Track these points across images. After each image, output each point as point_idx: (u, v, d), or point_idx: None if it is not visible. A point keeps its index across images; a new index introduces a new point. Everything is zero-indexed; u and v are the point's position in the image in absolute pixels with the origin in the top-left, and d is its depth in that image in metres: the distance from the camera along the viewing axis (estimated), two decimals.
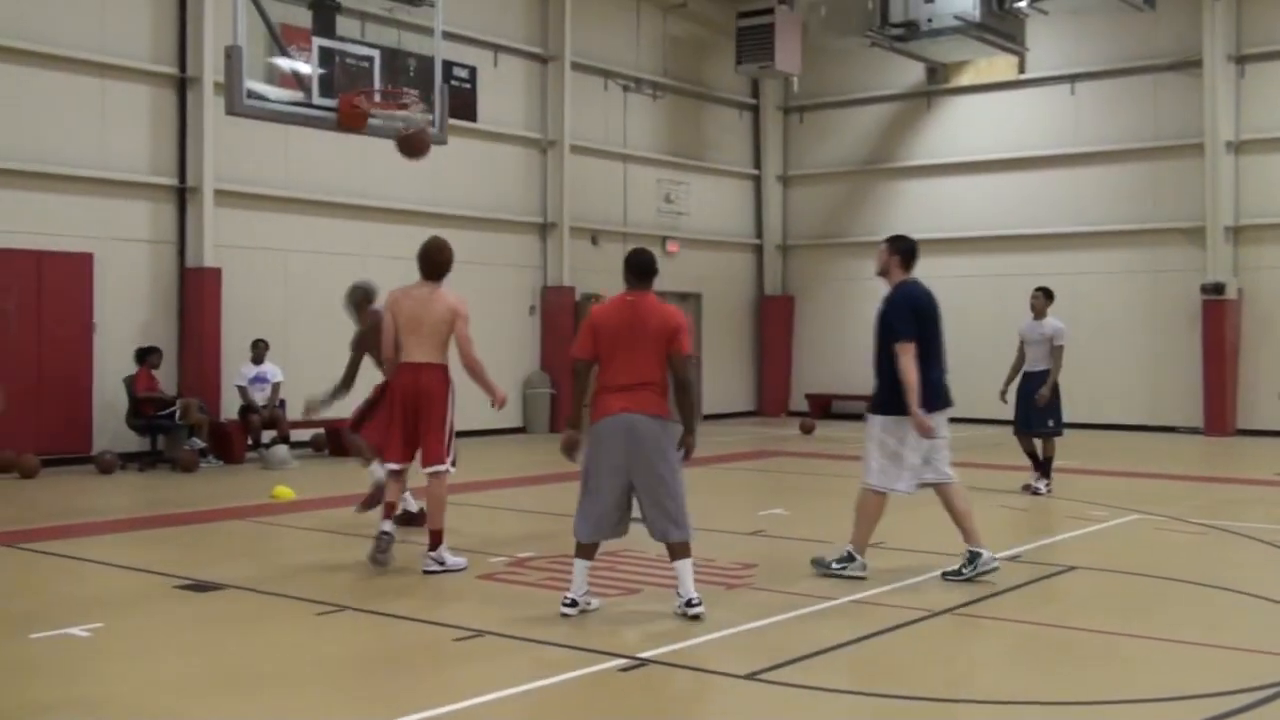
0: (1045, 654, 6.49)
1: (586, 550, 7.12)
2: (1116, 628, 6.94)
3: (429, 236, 9.29)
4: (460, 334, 8.85)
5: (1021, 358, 12.69)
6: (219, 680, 5.90)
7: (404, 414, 8.67)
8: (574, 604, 7.05)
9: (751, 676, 5.85)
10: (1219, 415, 19.95)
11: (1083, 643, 6.65)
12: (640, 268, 7.69)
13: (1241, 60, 20.30)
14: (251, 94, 10.81)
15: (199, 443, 14.87)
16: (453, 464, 8.88)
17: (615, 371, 7.09)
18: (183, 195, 15.95)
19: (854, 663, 6.22)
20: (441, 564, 8.36)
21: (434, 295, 9.13)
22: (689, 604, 6.93)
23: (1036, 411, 12.28)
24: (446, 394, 8.81)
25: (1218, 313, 19.97)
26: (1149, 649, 6.55)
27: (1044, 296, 12.68)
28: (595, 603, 7.21)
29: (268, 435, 15.51)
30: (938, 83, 23.36)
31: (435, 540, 8.41)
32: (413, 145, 11.19)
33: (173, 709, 5.44)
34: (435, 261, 9.32)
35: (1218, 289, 19.94)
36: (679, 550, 7.02)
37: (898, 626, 6.91)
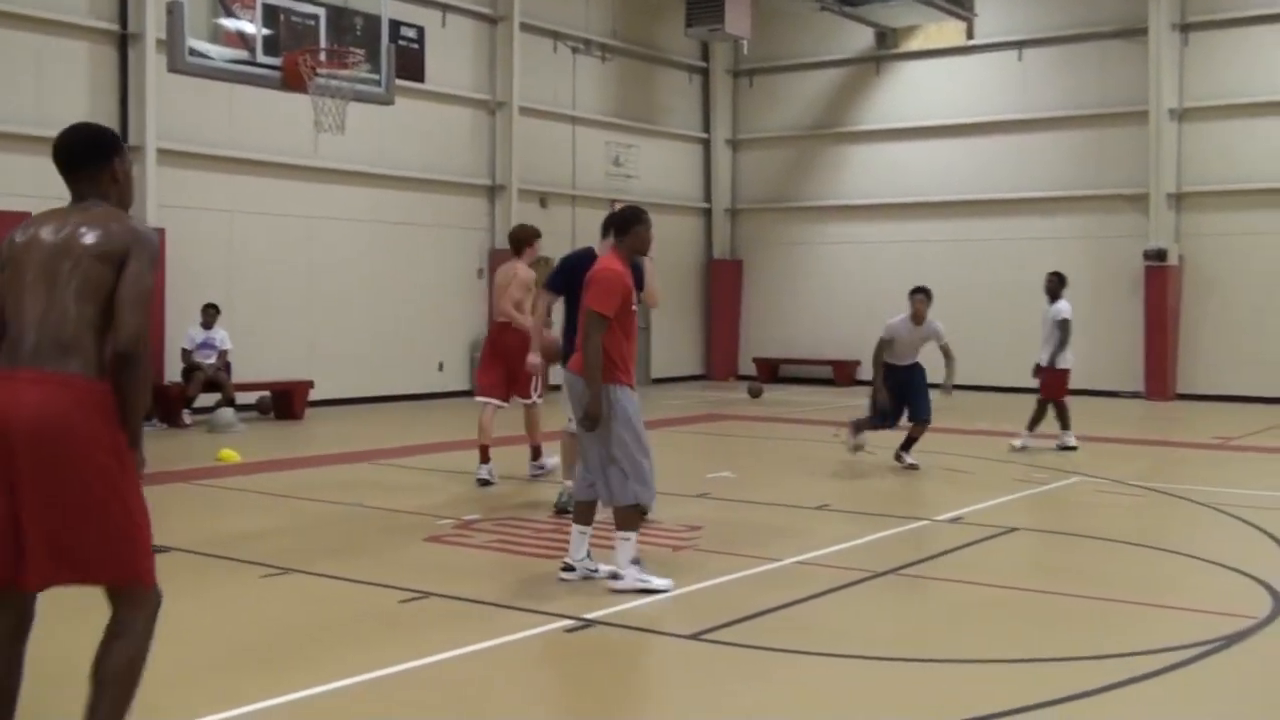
0: (986, 614, 6.59)
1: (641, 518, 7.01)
2: (1056, 588, 7.05)
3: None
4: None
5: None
6: (161, 642, 5.86)
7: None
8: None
9: (696, 637, 5.90)
10: (1160, 380, 20.24)
11: (1023, 602, 6.75)
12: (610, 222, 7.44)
13: (1186, 29, 20.48)
14: (194, 52, 10.67)
15: None
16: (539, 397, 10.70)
17: (629, 333, 6.90)
18: None
19: (797, 623, 6.28)
20: (542, 468, 10.68)
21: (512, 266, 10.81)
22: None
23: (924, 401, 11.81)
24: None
25: (1160, 279, 20.22)
26: (1088, 608, 6.66)
27: (925, 299, 11.69)
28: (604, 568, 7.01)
29: (213, 398, 15.35)
30: (887, 48, 23.39)
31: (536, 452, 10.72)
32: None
33: None
34: (511, 239, 11.04)
35: (1160, 255, 20.17)
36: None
37: (841, 587, 6.99)
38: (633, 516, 6.80)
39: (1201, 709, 5.04)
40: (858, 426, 11.89)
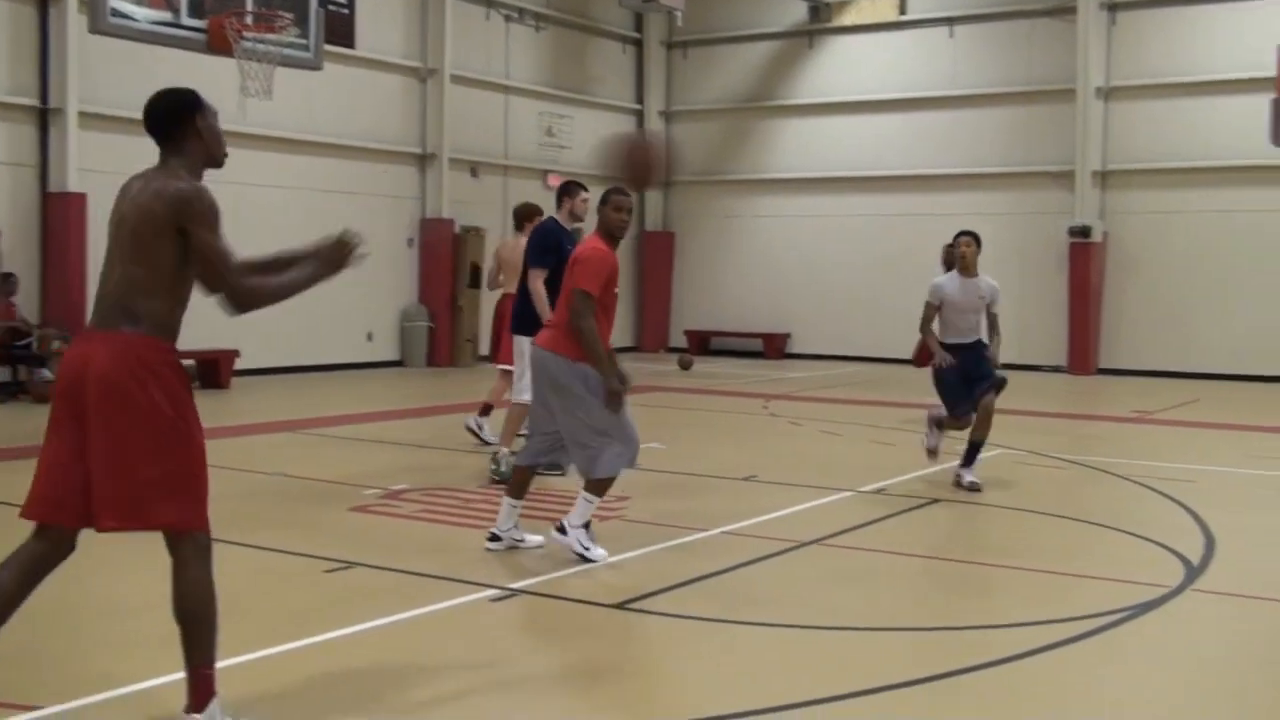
0: (908, 583, 6.68)
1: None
2: (977, 558, 7.16)
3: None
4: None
5: None
6: (81, 612, 5.79)
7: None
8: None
9: (622, 606, 5.93)
10: (1082, 354, 20.58)
11: (944, 572, 6.86)
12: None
13: (1113, 8, 20.75)
14: (117, 12, 10.48)
15: (47, 374, 14.41)
16: None
17: (608, 312, 6.88)
18: (44, 116, 15.37)
19: (723, 591, 6.33)
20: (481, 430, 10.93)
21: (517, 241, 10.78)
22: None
23: None
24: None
25: (1084, 255, 20.54)
26: (1008, 578, 6.78)
27: (974, 243, 10.20)
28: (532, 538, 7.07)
29: None
30: (820, 22, 23.47)
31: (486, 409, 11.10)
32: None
33: (28, 644, 5.33)
34: (515, 215, 11.09)
35: (1084, 232, 20.48)
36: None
37: (766, 557, 7.05)
38: (605, 483, 6.83)
39: (1114, 673, 5.15)
40: (938, 423, 9.58)
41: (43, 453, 4.14)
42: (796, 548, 7.29)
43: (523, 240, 11.09)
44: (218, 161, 4.31)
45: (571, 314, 6.67)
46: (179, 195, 4.09)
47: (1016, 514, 8.51)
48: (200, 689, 4.12)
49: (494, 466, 9.21)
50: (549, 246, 8.95)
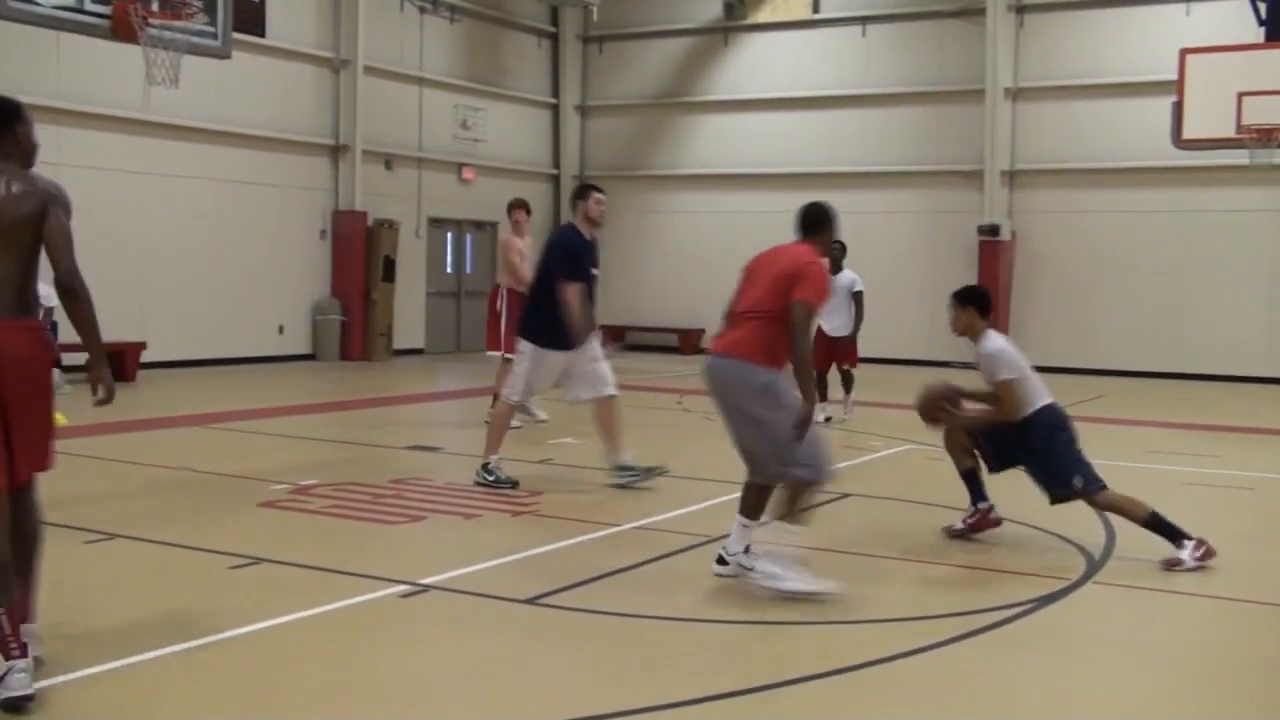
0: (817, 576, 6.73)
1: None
2: (885, 551, 7.24)
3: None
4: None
5: None
6: None
7: None
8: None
9: (532, 601, 5.91)
10: None
11: (853, 565, 6.92)
12: (802, 219, 7.02)
13: (1021, 10, 21.11)
14: None
15: None
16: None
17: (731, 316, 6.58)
18: None
19: (634, 586, 6.34)
20: None
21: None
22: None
23: None
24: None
25: (992, 253, 20.87)
26: (916, 571, 6.87)
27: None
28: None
29: None
30: (735, 19, 23.57)
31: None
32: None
33: None
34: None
35: (993, 230, 20.82)
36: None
37: (677, 551, 7.07)
38: (804, 501, 6.34)
39: (1015, 664, 5.24)
40: None
41: None
42: (707, 542, 7.31)
43: (516, 240, 12.30)
44: (31, 164, 4.83)
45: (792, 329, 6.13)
46: (52, 186, 4.82)
47: (923, 508, 8.62)
48: None
49: (488, 476, 8.82)
50: (579, 258, 8.76)
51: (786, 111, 23.02)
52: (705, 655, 5.31)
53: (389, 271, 20.42)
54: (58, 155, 15.97)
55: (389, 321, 20.52)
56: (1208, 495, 9.59)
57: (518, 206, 12.76)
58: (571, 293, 8.59)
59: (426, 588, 6.09)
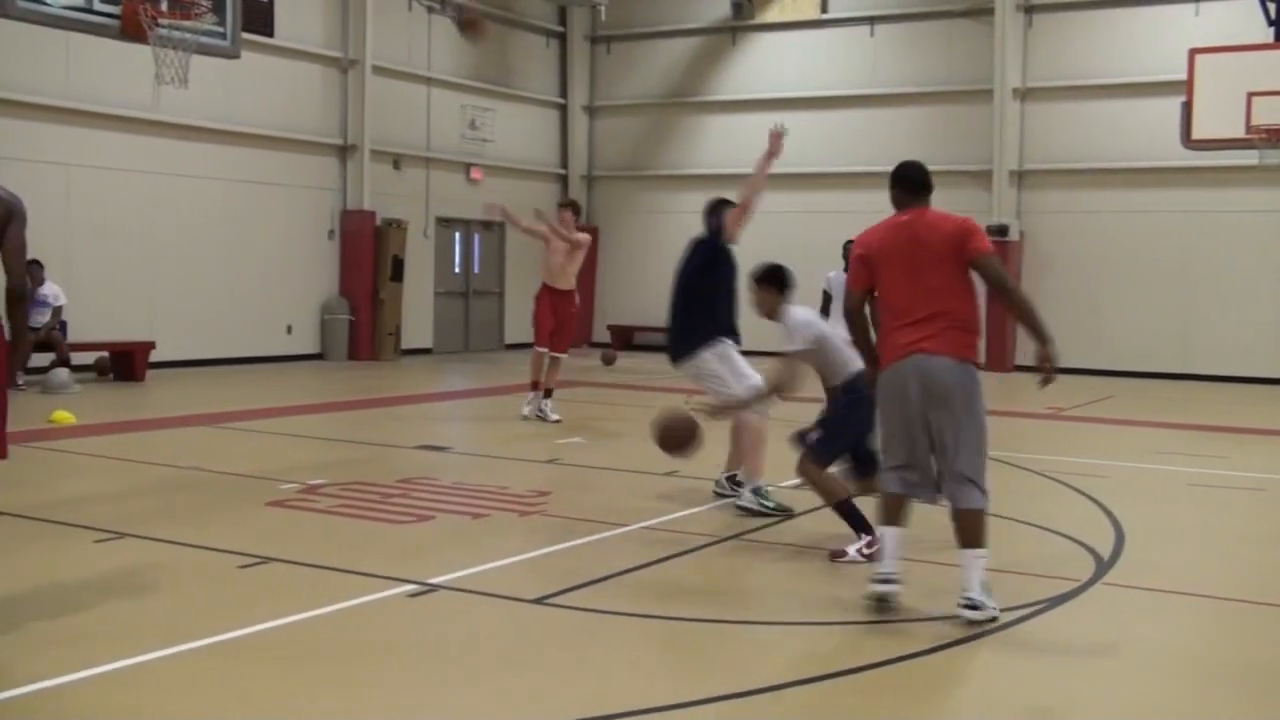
0: (827, 577, 6.72)
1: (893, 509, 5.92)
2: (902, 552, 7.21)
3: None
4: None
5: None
6: None
7: None
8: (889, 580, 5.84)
9: (541, 601, 5.91)
10: (999, 352, 20.86)
11: (857, 567, 6.91)
12: (912, 180, 6.16)
13: (1030, 10, 21.07)
14: None
15: None
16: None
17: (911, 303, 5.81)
18: None
19: (642, 586, 6.34)
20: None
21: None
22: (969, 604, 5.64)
23: None
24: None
25: (1001, 254, 20.61)
26: (924, 572, 6.85)
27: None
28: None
29: (46, 359, 14.81)
30: (743, 18, 23.56)
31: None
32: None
33: None
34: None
35: (1002, 231, 20.77)
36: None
37: (686, 552, 7.07)
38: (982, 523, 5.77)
39: (1024, 666, 5.23)
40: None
41: None
42: (716, 542, 7.32)
43: (570, 240, 13.12)
44: None
45: (1003, 279, 5.83)
46: (15, 198, 5.18)
47: (932, 509, 8.59)
48: None
49: (765, 504, 8.15)
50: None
51: (794, 111, 22.92)
52: (711, 656, 5.31)
53: (397, 271, 20.45)
54: (66, 155, 16.04)
55: (397, 321, 20.54)
56: (1216, 496, 9.57)
57: (567, 206, 13.73)
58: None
59: (435, 587, 6.10)
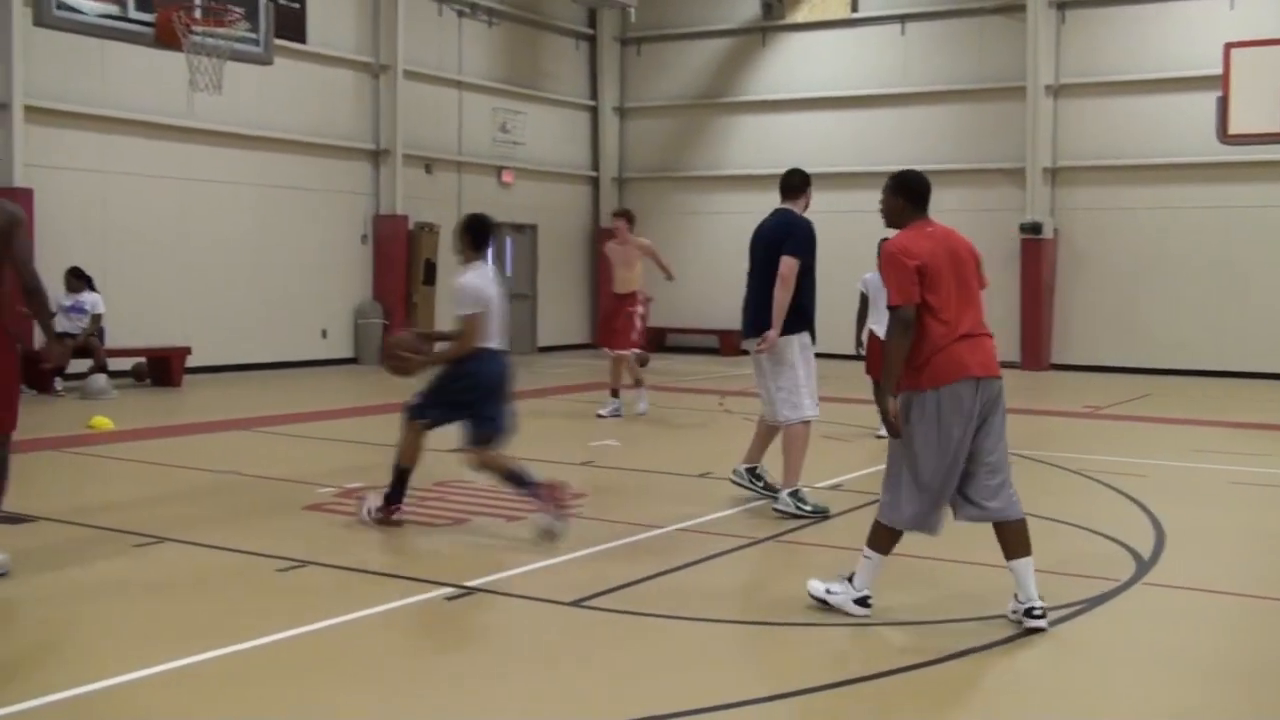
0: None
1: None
2: (931, 552, 7.18)
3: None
4: None
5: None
6: (30, 614, 5.71)
7: None
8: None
9: (578, 603, 5.91)
10: (1035, 350, 20.76)
11: (900, 566, 6.87)
12: (923, 191, 6.23)
13: (1063, 6, 20.93)
14: (63, 5, 10.33)
15: None
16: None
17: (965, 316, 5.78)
18: None
19: (679, 588, 6.33)
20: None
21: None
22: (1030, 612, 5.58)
23: None
24: None
25: (1035, 251, 20.71)
26: (962, 571, 6.82)
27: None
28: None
29: (84, 365, 14.93)
30: (773, 19, 23.50)
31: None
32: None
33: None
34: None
35: (1035, 228, 20.65)
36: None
37: (722, 553, 7.06)
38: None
39: (1065, 666, 5.19)
40: None
41: None
42: (752, 544, 7.30)
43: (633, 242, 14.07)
44: None
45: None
46: (17, 208, 6.16)
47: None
48: None
49: (802, 506, 8.12)
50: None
51: (826, 111, 22.94)
52: (753, 657, 5.30)
53: (430, 275, 20.51)
54: (103, 163, 16.18)
55: (430, 324, 20.58)
56: (1258, 495, 9.47)
57: (619, 215, 14.53)
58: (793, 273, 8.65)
59: (472, 590, 6.11)
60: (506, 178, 22.65)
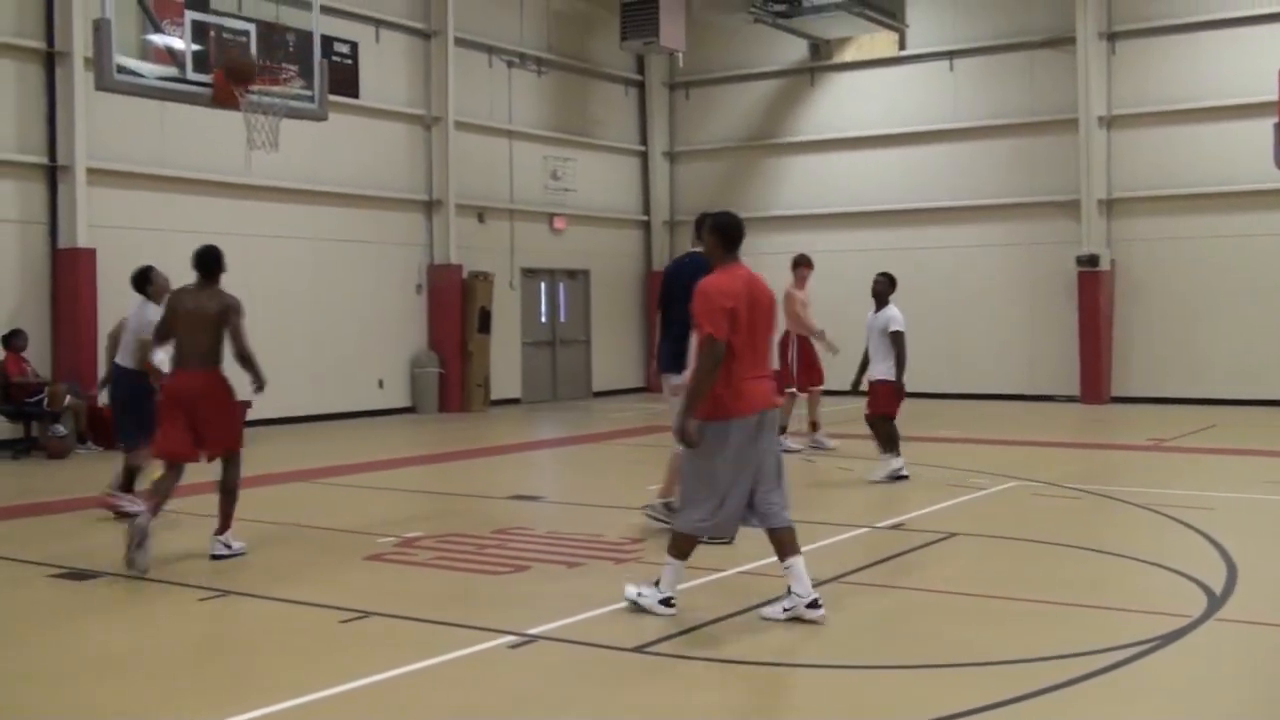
0: (927, 618, 6.62)
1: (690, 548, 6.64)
2: (997, 591, 7.10)
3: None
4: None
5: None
6: (97, 668, 5.76)
7: None
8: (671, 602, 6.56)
9: (640, 649, 5.88)
10: (1094, 383, 20.51)
11: (965, 607, 6.80)
12: (738, 234, 6.97)
13: (1113, 37, 20.82)
14: (122, 69, 10.51)
15: (61, 430, 14.42)
16: None
17: (757, 357, 6.53)
18: (53, 174, 15.45)
19: (741, 632, 6.28)
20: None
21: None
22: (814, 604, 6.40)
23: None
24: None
25: (1092, 284, 20.51)
26: (1028, 611, 6.72)
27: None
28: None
29: None
30: (821, 59, 23.55)
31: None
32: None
33: (50, 698, 5.30)
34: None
35: (1092, 260, 20.46)
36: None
37: (782, 596, 6.98)
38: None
39: (1139, 707, 5.09)
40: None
41: None
42: (815, 585, 7.23)
43: (799, 292, 14.08)
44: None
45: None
46: (235, 299, 7.18)
47: (1034, 546, 8.44)
48: None
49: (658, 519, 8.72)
50: None
51: (876, 149, 22.91)
52: (819, 701, 5.24)
53: (484, 323, 20.64)
54: (163, 221, 16.44)
55: (486, 372, 20.71)
56: None
57: (802, 263, 14.34)
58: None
59: (534, 638, 6.10)
60: (558, 224, 22.79)
